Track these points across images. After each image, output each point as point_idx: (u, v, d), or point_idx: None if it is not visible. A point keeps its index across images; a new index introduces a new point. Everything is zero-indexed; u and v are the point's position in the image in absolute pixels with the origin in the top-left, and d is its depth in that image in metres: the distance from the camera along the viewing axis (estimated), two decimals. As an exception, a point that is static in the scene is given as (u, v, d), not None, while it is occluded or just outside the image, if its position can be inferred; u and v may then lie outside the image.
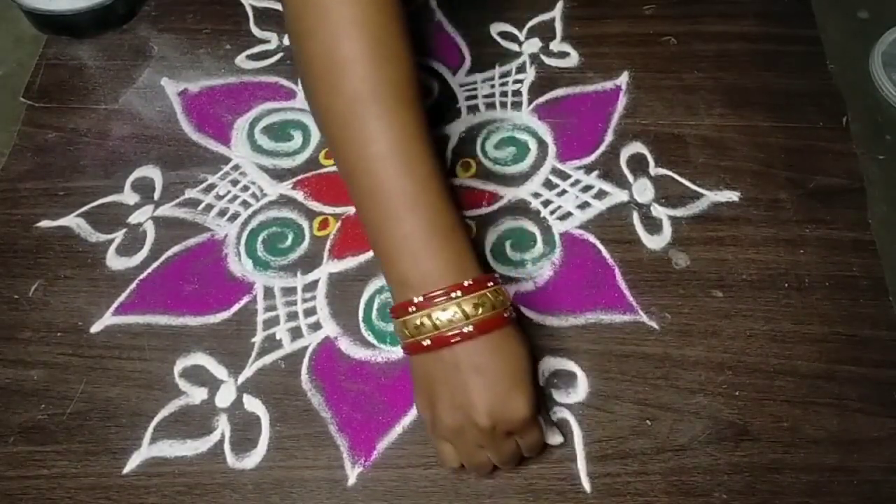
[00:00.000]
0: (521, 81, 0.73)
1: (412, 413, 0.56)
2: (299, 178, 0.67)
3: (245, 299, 0.61)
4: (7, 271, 0.62)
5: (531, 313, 0.60)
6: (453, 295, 0.46)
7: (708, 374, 0.57)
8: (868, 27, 0.77)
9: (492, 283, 0.48)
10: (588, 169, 0.67)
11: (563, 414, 0.56)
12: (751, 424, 0.55)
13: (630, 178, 0.67)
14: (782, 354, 0.58)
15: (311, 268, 0.62)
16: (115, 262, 0.62)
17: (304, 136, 0.70)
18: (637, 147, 0.69)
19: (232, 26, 0.77)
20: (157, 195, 0.66)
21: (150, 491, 0.53)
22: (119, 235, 0.64)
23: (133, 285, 0.61)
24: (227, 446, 0.54)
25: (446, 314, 0.46)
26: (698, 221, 0.65)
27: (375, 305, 0.60)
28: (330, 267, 0.62)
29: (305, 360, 0.58)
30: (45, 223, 0.64)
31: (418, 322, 0.47)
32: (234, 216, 0.65)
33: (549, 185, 0.66)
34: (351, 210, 0.65)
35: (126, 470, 0.53)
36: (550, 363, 0.58)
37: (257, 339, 0.59)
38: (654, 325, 0.59)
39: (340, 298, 0.61)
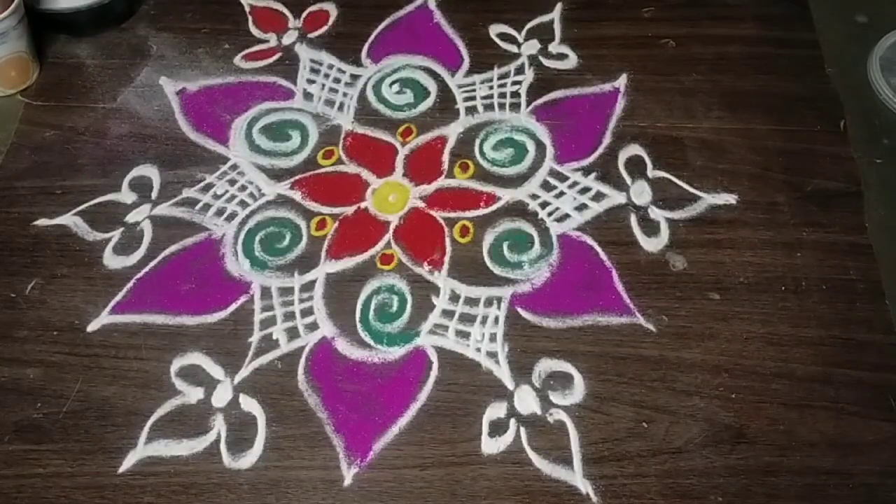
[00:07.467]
0: (519, 83, 0.73)
1: (409, 414, 0.55)
2: (297, 178, 0.67)
3: (242, 299, 0.61)
4: (4, 269, 0.62)
5: (528, 315, 0.60)
6: None
7: (704, 376, 0.57)
8: (866, 31, 0.77)
9: None
10: (586, 171, 0.67)
11: (559, 416, 0.56)
12: (747, 427, 0.55)
13: (628, 180, 0.67)
14: (779, 357, 0.58)
15: (308, 268, 0.62)
16: (112, 260, 0.62)
17: (301, 136, 0.70)
18: (635, 149, 0.69)
19: (231, 26, 0.77)
20: (154, 194, 0.66)
21: (146, 490, 0.52)
22: (116, 234, 0.64)
23: (130, 284, 0.61)
24: (223, 446, 0.54)
25: None
26: (696, 224, 0.65)
27: (372, 306, 0.60)
28: (327, 267, 0.62)
29: (302, 361, 0.58)
30: (42, 221, 0.64)
31: None
32: (232, 216, 0.65)
33: (546, 186, 0.66)
34: (349, 210, 0.65)
35: (122, 469, 0.53)
36: (547, 365, 0.58)
37: (254, 338, 0.59)
38: (651, 327, 0.59)
39: (337, 299, 0.61)
